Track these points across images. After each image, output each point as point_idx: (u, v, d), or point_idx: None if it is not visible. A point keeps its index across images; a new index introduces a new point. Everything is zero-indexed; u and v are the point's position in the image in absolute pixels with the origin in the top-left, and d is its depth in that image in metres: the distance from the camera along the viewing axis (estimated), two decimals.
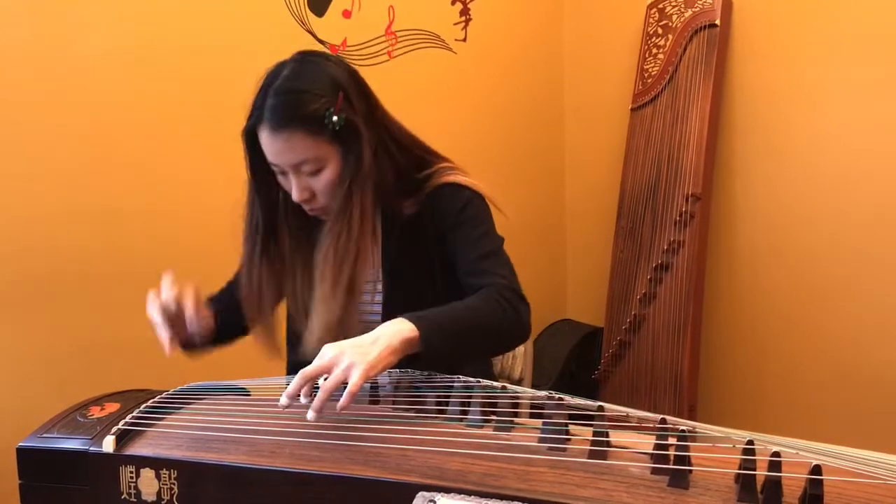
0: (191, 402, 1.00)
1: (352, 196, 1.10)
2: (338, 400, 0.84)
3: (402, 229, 1.18)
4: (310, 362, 0.91)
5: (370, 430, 0.83)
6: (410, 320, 0.96)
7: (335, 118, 1.06)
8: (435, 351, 0.97)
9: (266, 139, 1.07)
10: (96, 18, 1.71)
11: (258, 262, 1.19)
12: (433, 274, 1.19)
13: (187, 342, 1.18)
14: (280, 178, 1.13)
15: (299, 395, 0.88)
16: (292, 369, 1.29)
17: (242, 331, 1.32)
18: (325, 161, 1.09)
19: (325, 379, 0.89)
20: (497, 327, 1.06)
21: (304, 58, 1.12)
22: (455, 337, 1.00)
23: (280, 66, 1.10)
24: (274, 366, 1.28)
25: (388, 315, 1.08)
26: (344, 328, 1.12)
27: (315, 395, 0.87)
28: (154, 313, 1.12)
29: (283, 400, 0.87)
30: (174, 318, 1.13)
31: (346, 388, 0.85)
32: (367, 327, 0.99)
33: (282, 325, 1.25)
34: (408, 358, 0.96)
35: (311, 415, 0.85)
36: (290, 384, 0.88)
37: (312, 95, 1.06)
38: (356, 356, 0.88)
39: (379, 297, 1.21)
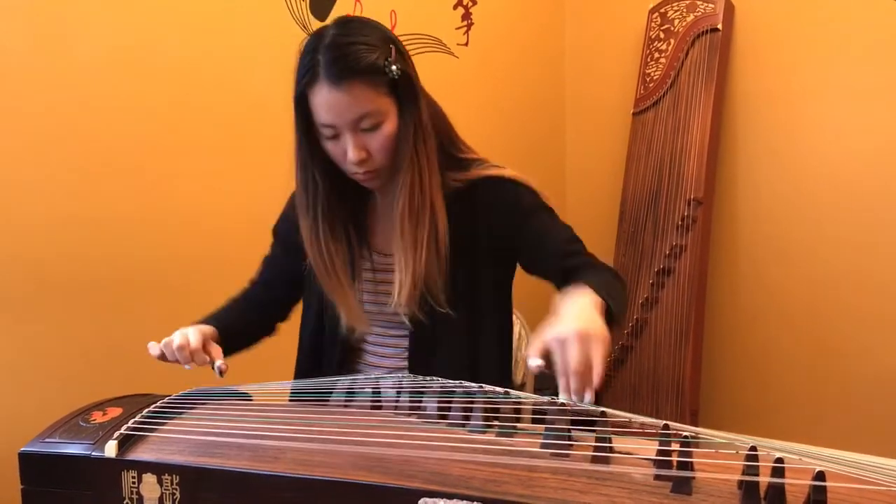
0: (193, 406, 1.00)
1: (417, 149, 1.09)
2: (341, 404, 0.84)
3: (451, 203, 1.16)
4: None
5: (373, 436, 0.82)
6: (587, 285, 0.95)
7: (394, 67, 1.05)
8: (616, 322, 0.96)
9: (324, 96, 1.04)
10: (96, 23, 1.72)
11: (322, 230, 1.15)
12: (476, 251, 1.18)
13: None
14: (329, 146, 1.09)
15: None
16: (303, 369, 1.28)
17: (269, 330, 1.32)
18: (385, 114, 1.07)
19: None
20: (626, 292, 1.13)
21: (346, 18, 1.12)
22: (621, 301, 1.01)
23: (323, 28, 1.09)
24: (276, 370, 1.28)
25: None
26: (428, 283, 1.12)
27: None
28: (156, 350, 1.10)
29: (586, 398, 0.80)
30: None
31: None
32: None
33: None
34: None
35: (588, 398, 0.79)
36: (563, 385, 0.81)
37: (368, 47, 1.05)
38: (595, 337, 0.82)
39: None
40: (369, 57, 1.04)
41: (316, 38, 1.06)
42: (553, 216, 1.20)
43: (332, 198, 1.15)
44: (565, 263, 1.13)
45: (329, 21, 1.13)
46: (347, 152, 1.07)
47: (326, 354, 1.25)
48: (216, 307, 1.30)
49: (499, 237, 1.17)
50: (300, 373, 1.29)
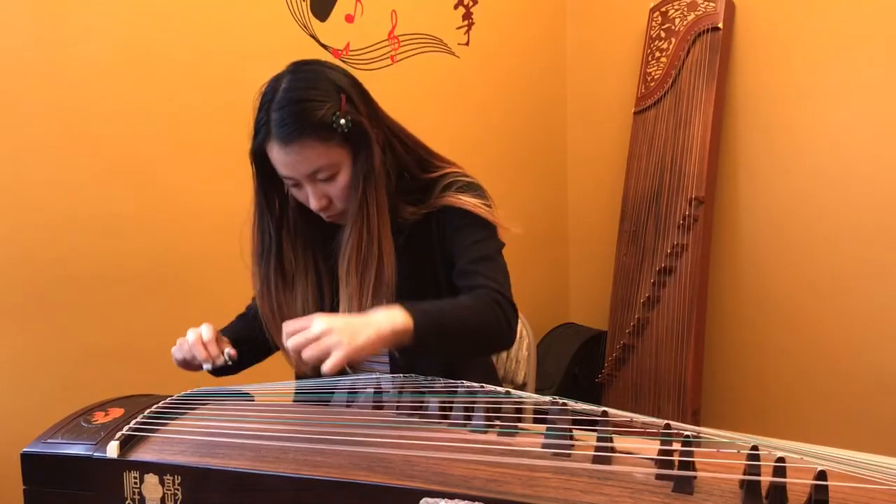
0: (195, 407, 1.00)
1: (367, 197, 1.10)
2: (342, 404, 0.85)
3: (410, 236, 1.19)
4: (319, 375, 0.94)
5: (374, 436, 0.82)
6: (406, 310, 0.98)
7: (342, 121, 1.06)
8: (424, 346, 0.98)
9: (277, 154, 1.07)
10: (98, 24, 1.72)
11: (274, 280, 1.19)
12: (438, 280, 1.20)
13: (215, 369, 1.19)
14: (293, 191, 1.14)
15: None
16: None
17: (273, 348, 1.33)
18: (339, 165, 1.09)
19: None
20: (486, 329, 1.08)
21: (298, 67, 1.12)
22: (446, 334, 1.01)
23: (276, 81, 1.10)
24: (277, 371, 1.28)
25: None
26: None
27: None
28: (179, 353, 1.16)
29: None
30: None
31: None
32: None
33: None
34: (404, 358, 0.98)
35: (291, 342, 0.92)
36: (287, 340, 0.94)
37: (317, 102, 1.06)
38: (344, 336, 0.91)
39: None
40: (317, 114, 1.05)
41: (270, 92, 1.09)
42: (476, 232, 1.18)
43: (290, 244, 1.19)
44: (459, 282, 1.15)
45: (289, 64, 1.13)
46: (310, 201, 1.11)
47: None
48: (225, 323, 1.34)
49: (444, 248, 1.19)
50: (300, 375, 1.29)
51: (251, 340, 1.27)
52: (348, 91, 1.10)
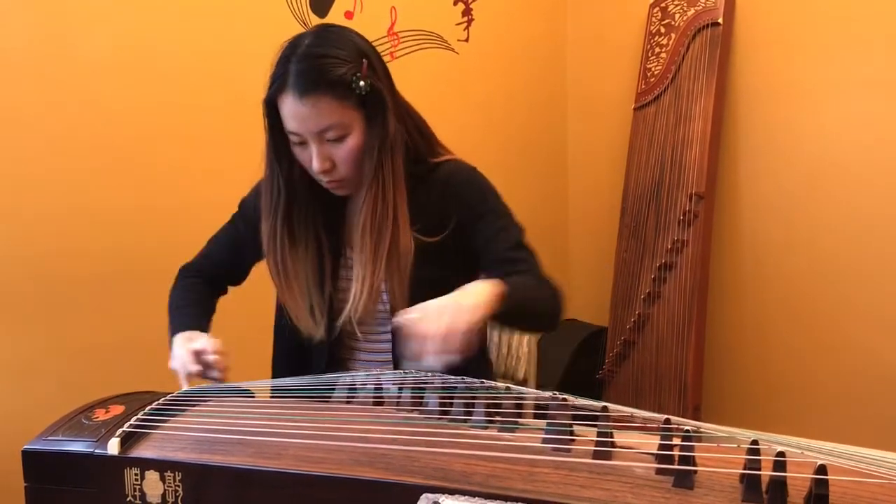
0: (195, 404, 1.00)
1: (382, 163, 1.10)
2: (343, 401, 0.84)
3: (427, 217, 1.17)
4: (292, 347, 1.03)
5: (375, 432, 0.83)
6: (491, 279, 1.03)
7: (361, 83, 1.06)
8: (510, 312, 1.03)
9: (290, 105, 1.06)
10: (99, 21, 1.72)
11: (280, 236, 1.16)
12: (454, 260, 1.19)
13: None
14: (297, 151, 1.12)
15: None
16: (281, 358, 1.29)
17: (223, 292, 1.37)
18: (350, 127, 1.08)
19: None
20: (550, 306, 1.14)
21: (324, 28, 1.13)
22: (525, 305, 1.08)
23: (300, 36, 1.10)
24: (288, 367, 1.28)
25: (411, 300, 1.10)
26: (390, 297, 1.14)
27: None
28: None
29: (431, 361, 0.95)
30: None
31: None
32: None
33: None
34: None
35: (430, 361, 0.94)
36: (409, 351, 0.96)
37: (338, 60, 1.06)
38: (455, 314, 0.95)
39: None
40: (338, 71, 1.05)
41: (291, 46, 1.08)
42: (501, 217, 1.21)
43: (298, 203, 1.17)
44: (502, 269, 1.15)
45: (314, 25, 1.14)
46: (312, 161, 1.09)
47: (315, 352, 1.24)
48: (181, 309, 1.30)
49: (461, 234, 1.19)
50: (283, 369, 1.29)
51: (211, 311, 1.30)
52: (371, 58, 1.10)
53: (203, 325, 1.25)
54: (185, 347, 1.13)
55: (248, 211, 1.31)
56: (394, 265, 1.12)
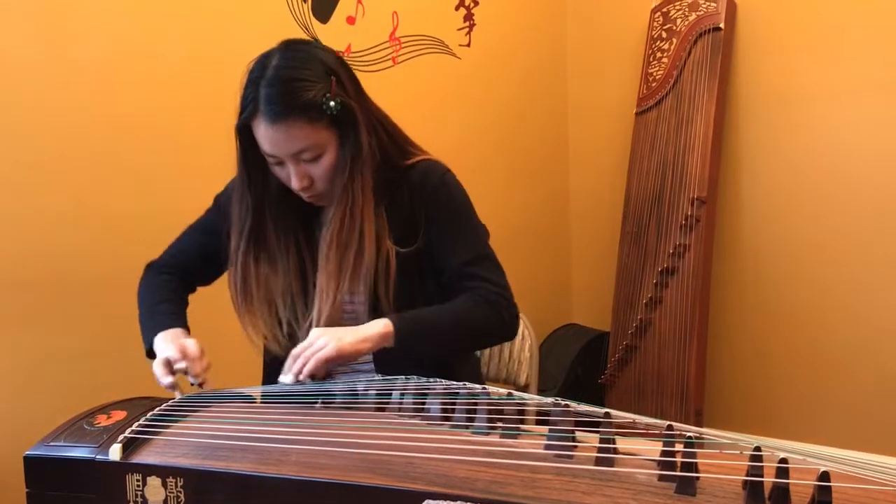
0: (197, 409, 1.00)
1: (352, 179, 1.11)
2: (342, 408, 0.85)
3: (403, 222, 1.18)
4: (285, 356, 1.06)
5: (376, 438, 0.82)
6: (390, 319, 1.08)
7: (332, 103, 1.06)
8: (407, 347, 1.09)
9: (264, 131, 1.07)
10: (98, 23, 1.72)
11: (244, 257, 1.17)
12: (423, 267, 1.20)
13: None
14: (275, 169, 1.13)
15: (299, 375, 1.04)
16: (270, 363, 1.28)
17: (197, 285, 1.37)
18: (324, 147, 1.09)
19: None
20: (479, 329, 1.15)
21: (289, 45, 1.12)
22: (429, 336, 1.11)
23: (266, 57, 1.10)
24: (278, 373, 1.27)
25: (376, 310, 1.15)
26: (350, 312, 1.16)
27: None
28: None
29: (288, 378, 1.04)
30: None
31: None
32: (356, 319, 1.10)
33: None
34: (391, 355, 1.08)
35: (287, 378, 1.04)
36: (286, 365, 1.05)
37: (308, 83, 1.06)
38: (333, 339, 1.03)
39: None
40: (308, 94, 1.05)
41: (259, 68, 1.08)
42: (463, 226, 1.20)
43: (268, 228, 1.18)
44: (456, 284, 1.18)
45: (280, 42, 1.13)
46: (291, 180, 1.11)
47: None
48: (154, 307, 1.27)
49: (429, 238, 1.19)
50: (273, 375, 1.28)
51: (186, 306, 1.31)
52: (338, 73, 1.10)
53: (182, 322, 1.24)
54: (159, 358, 1.12)
55: (223, 209, 1.29)
56: (357, 279, 1.13)
